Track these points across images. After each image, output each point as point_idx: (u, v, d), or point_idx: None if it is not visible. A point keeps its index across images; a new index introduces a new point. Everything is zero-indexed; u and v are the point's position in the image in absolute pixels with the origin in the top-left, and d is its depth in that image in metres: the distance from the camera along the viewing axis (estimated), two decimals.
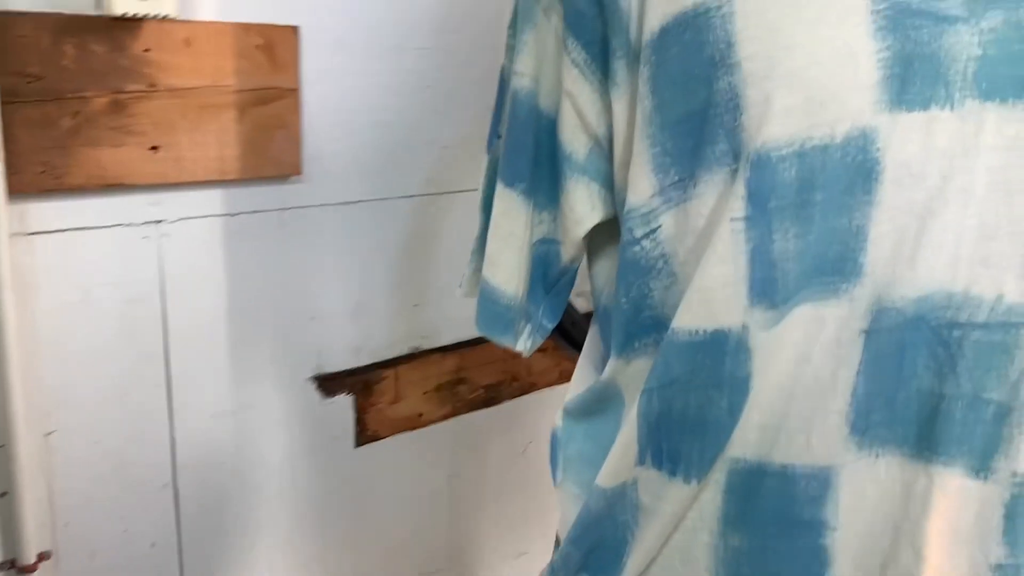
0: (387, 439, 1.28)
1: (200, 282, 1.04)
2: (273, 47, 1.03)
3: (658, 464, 0.50)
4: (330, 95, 1.09)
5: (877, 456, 0.47)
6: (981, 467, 0.45)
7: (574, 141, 0.51)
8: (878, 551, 0.47)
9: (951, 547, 0.46)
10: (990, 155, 0.43)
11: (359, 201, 1.17)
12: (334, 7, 1.07)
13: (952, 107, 0.42)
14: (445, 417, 1.33)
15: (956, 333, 0.45)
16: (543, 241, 0.54)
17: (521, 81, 0.52)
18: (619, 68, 0.48)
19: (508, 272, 0.54)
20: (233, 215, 1.05)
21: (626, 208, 0.48)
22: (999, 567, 0.46)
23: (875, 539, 0.47)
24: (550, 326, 0.57)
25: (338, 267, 1.16)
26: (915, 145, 0.43)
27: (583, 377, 0.58)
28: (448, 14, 1.18)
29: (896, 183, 0.43)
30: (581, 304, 1.10)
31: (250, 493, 1.14)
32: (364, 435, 1.25)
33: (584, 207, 0.52)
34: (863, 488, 0.47)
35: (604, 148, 0.51)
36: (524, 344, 0.57)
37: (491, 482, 1.44)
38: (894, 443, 0.47)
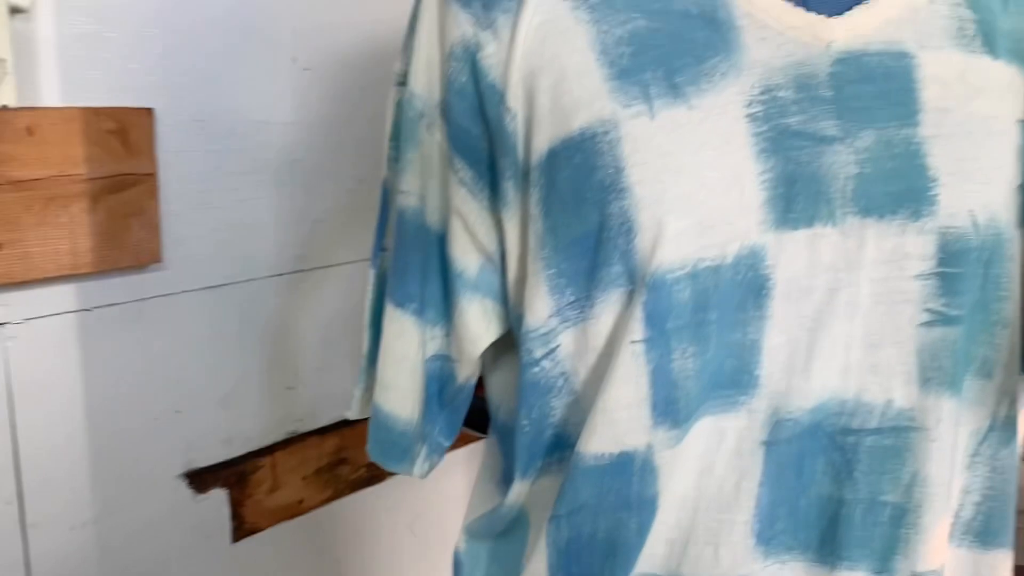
0: (267, 530, 1.21)
1: (53, 384, 0.95)
2: (127, 131, 0.97)
3: None
4: (190, 176, 1.04)
5: (783, 563, 0.47)
6: (882, 568, 0.46)
7: (465, 258, 0.49)
8: None
9: None
10: (872, 268, 0.44)
11: (224, 284, 1.11)
12: (191, 86, 1.02)
13: (834, 224, 0.44)
14: (327, 501, 1.28)
15: (851, 439, 0.46)
16: (436, 357, 0.52)
17: (407, 200, 0.50)
18: (508, 188, 0.47)
19: (402, 396, 0.52)
20: (89, 310, 0.98)
21: (524, 329, 0.47)
22: None
23: None
24: (447, 443, 0.55)
25: (204, 355, 1.09)
26: (802, 261, 0.44)
27: (484, 496, 0.56)
28: (310, 87, 1.15)
29: (786, 298, 0.44)
30: None
31: None
32: (242, 529, 1.18)
33: (479, 326, 0.50)
34: None
35: (496, 264, 0.49)
36: (421, 468, 0.55)
37: (380, 562, 1.39)
38: (799, 550, 0.47)
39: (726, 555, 0.47)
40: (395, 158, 0.53)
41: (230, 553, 1.16)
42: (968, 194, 0.44)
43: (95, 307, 0.98)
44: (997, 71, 0.46)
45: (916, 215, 0.43)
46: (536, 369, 0.47)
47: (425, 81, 0.48)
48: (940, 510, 0.46)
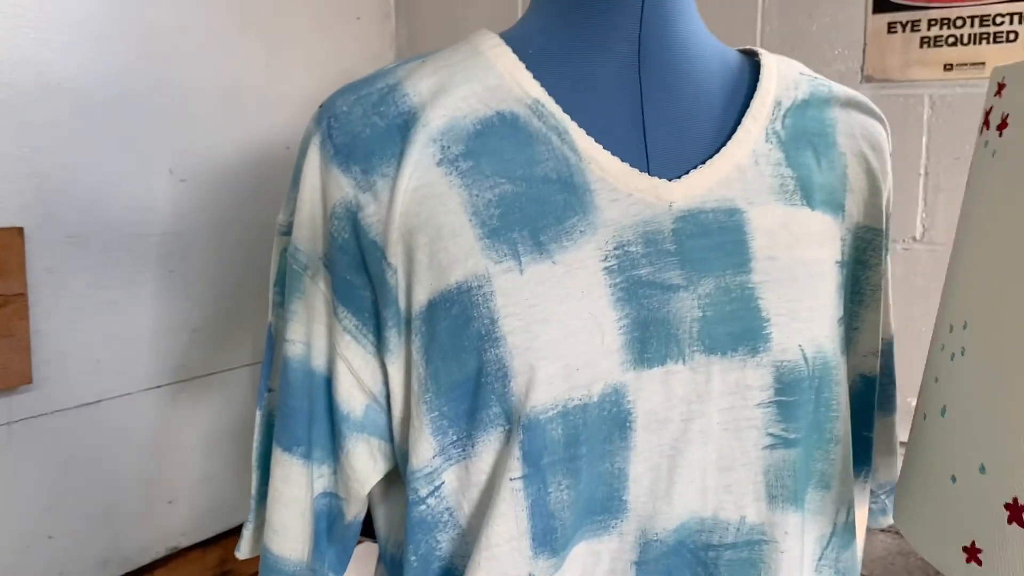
0: None
1: None
2: None
3: None
4: (63, 294, 1.02)
5: None
6: None
7: (351, 400, 0.52)
8: None
9: None
10: (719, 399, 0.49)
11: (99, 400, 1.09)
12: (65, 203, 1.01)
13: (684, 361, 0.49)
14: None
15: (712, 554, 0.50)
16: (325, 495, 0.54)
17: (293, 348, 0.53)
18: (391, 336, 0.50)
19: (292, 539, 0.54)
20: None
21: (409, 470, 0.50)
22: None
23: None
24: None
25: (77, 474, 1.06)
26: (658, 395, 0.49)
27: None
28: (187, 198, 1.16)
29: (646, 428, 0.49)
30: None
31: None
32: None
33: (366, 465, 0.53)
34: None
35: (382, 405, 0.52)
36: None
37: None
38: None
39: None
40: (280, 303, 0.55)
41: None
42: (796, 331, 0.50)
43: None
44: (815, 220, 0.53)
45: (754, 351, 0.49)
46: (422, 507, 0.50)
47: (309, 236, 0.51)
48: None
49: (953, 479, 0.45)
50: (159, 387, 1.15)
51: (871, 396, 0.59)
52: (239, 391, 1.27)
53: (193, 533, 1.21)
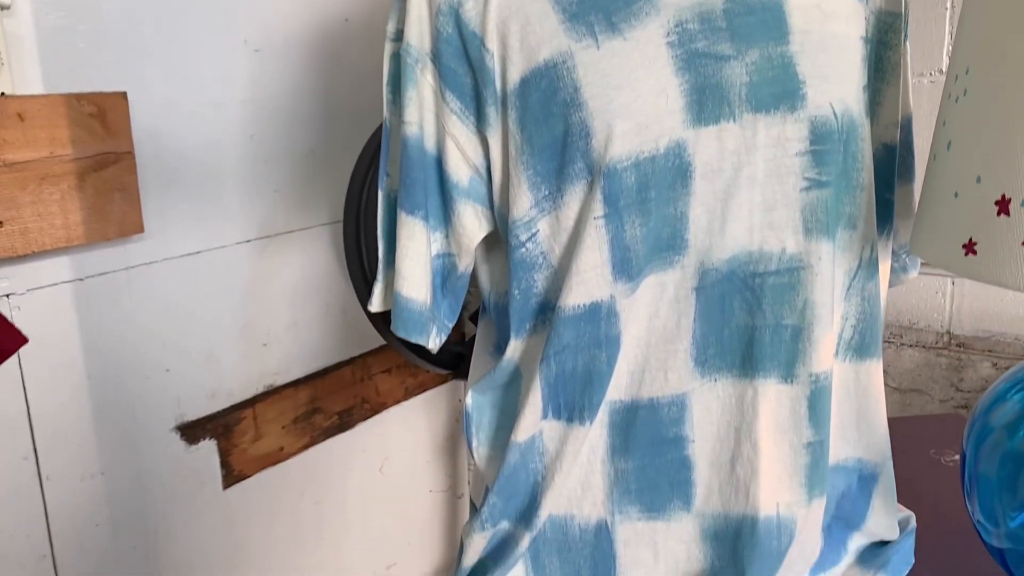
0: (253, 477, 1.32)
1: (56, 349, 1.05)
2: (105, 114, 1.06)
3: (557, 415, 0.63)
4: (162, 155, 1.14)
5: (715, 380, 0.63)
6: (788, 375, 0.62)
7: (459, 172, 0.63)
8: (726, 450, 0.63)
9: (776, 436, 0.63)
10: (764, 151, 0.60)
11: (199, 252, 1.22)
12: (158, 72, 1.12)
13: (735, 120, 0.59)
14: (305, 447, 1.40)
15: (758, 280, 0.61)
16: (439, 256, 0.66)
17: (410, 128, 0.64)
18: (490, 113, 0.61)
19: (418, 285, 0.66)
20: (82, 280, 1.07)
21: (510, 220, 0.61)
22: (809, 444, 0.63)
23: (722, 442, 0.63)
24: (450, 324, 0.69)
25: (186, 317, 1.20)
26: (713, 149, 0.59)
27: (481, 363, 0.70)
28: (262, 67, 1.26)
29: (704, 177, 0.60)
30: None
31: (127, 552, 1.15)
32: (231, 476, 1.29)
33: (472, 223, 0.64)
34: (709, 406, 0.63)
35: (483, 176, 0.63)
36: (434, 341, 0.68)
37: (355, 502, 1.51)
38: (726, 368, 0.63)
39: (673, 378, 0.62)
40: (392, 100, 0.66)
41: (223, 498, 1.27)
42: (827, 92, 0.60)
43: (88, 277, 1.08)
44: (843, 2, 0.62)
45: (792, 108, 0.59)
46: (522, 251, 0.62)
47: (418, 34, 0.62)
48: (826, 326, 0.62)
49: (956, 195, 0.55)
50: (248, 241, 1.28)
51: (892, 163, 0.69)
52: (319, 248, 1.39)
53: (285, 372, 1.36)
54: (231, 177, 1.24)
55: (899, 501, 0.74)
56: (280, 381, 1.35)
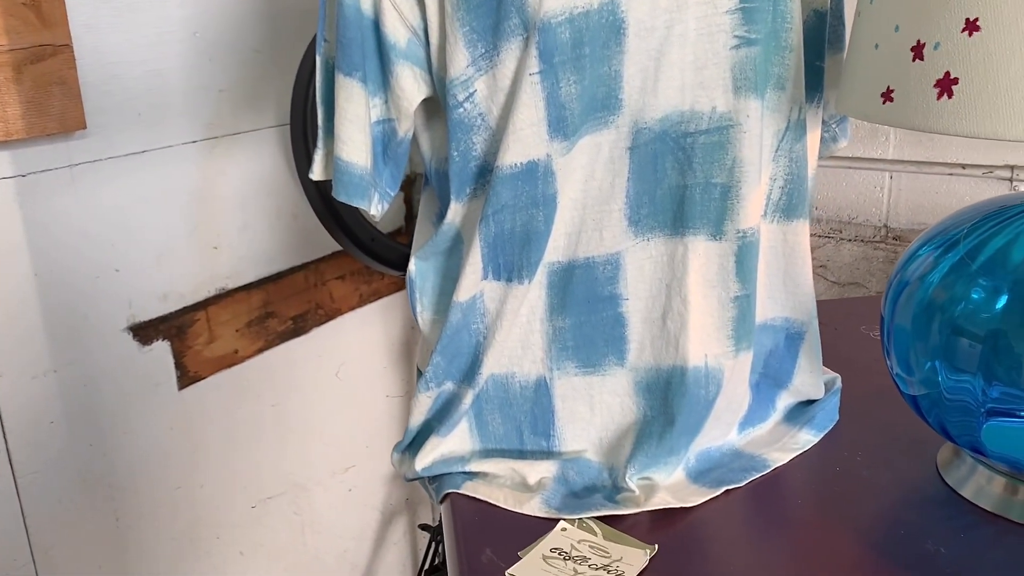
0: (208, 379, 1.33)
1: (2, 247, 1.04)
2: (40, 4, 1.04)
3: (497, 275, 0.65)
4: (101, 49, 1.12)
5: (648, 239, 0.65)
6: (717, 232, 0.65)
7: (396, 33, 0.63)
8: (658, 307, 0.66)
9: (705, 290, 0.65)
10: (695, 8, 0.61)
11: (144, 151, 1.20)
12: None
13: None
14: (260, 351, 1.41)
15: (689, 140, 0.63)
16: (379, 122, 0.67)
17: None
18: None
19: (357, 148, 0.66)
20: (24, 176, 1.06)
21: (448, 79, 0.62)
22: (736, 298, 0.66)
23: (654, 299, 0.66)
24: (392, 192, 0.70)
25: (134, 218, 1.19)
26: (646, 6, 0.60)
27: (424, 231, 0.72)
28: None
29: (637, 36, 0.61)
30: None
31: (83, 449, 1.16)
32: (186, 377, 1.30)
33: (411, 86, 0.65)
34: (642, 264, 0.65)
35: (421, 38, 0.64)
36: (376, 208, 0.69)
37: (311, 406, 1.54)
38: (659, 227, 0.65)
39: (608, 237, 0.65)
40: None
41: (179, 399, 1.29)
42: None
43: (30, 172, 1.06)
44: None
45: None
46: (460, 111, 0.62)
47: None
48: (753, 183, 0.64)
49: (876, 46, 0.57)
50: (195, 142, 1.27)
51: (823, 29, 0.71)
52: (269, 150, 1.38)
53: (237, 276, 1.36)
54: (174, 75, 1.22)
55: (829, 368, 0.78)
56: (232, 284, 1.36)
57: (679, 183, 0.64)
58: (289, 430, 1.50)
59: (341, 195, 0.67)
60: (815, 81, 0.71)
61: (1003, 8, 0.48)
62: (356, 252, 1.33)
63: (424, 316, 0.70)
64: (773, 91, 0.65)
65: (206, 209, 1.30)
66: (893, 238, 1.29)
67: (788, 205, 0.69)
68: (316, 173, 0.70)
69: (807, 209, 0.70)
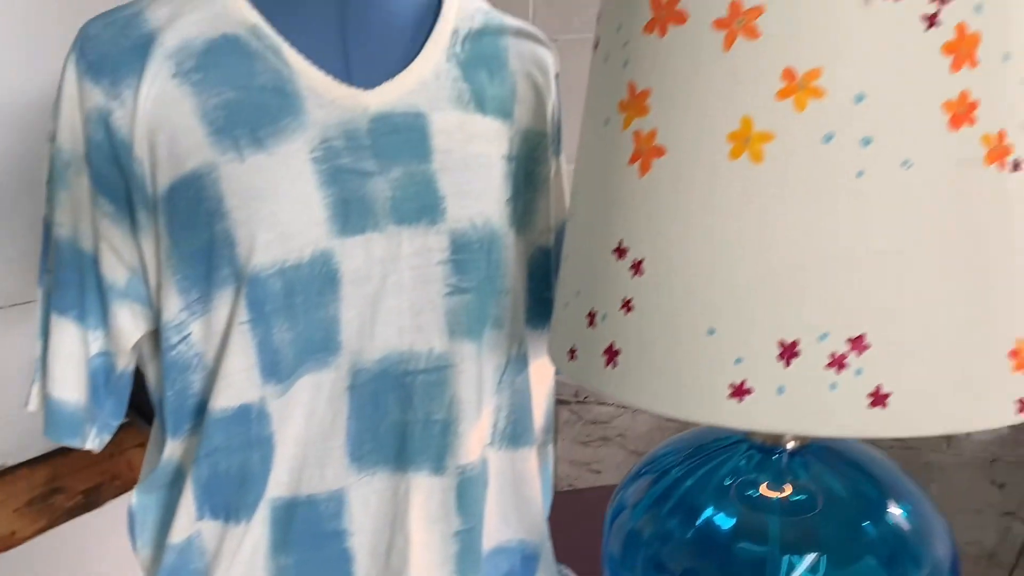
0: None
1: None
2: None
3: (215, 515, 0.64)
4: None
5: (373, 474, 0.66)
6: (438, 467, 0.66)
7: (114, 273, 0.64)
8: (383, 542, 0.67)
9: (428, 526, 0.66)
10: (409, 259, 0.64)
11: None
12: None
13: (380, 231, 0.63)
14: (42, 531, 1.32)
15: (409, 379, 0.65)
16: (99, 354, 0.66)
17: (62, 231, 0.64)
18: (142, 217, 0.62)
19: (69, 385, 0.65)
20: None
21: (162, 323, 0.62)
22: (458, 533, 0.67)
23: (380, 534, 0.66)
24: (115, 423, 0.69)
25: None
26: (360, 258, 0.63)
27: (151, 459, 0.70)
28: None
29: (352, 283, 0.63)
30: None
31: None
32: None
33: (129, 324, 0.65)
34: (367, 499, 0.66)
35: (140, 276, 0.64)
36: (93, 443, 0.68)
37: None
38: (383, 463, 0.66)
39: (330, 474, 0.65)
40: (50, 198, 0.66)
41: None
42: (467, 207, 0.65)
43: None
44: (486, 124, 0.68)
45: (433, 222, 0.64)
46: (174, 352, 0.63)
47: (70, 138, 0.62)
48: (471, 420, 0.67)
49: (566, 305, 0.61)
50: None
51: (548, 264, 0.76)
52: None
53: (19, 452, 1.29)
54: None
55: None
56: (12, 461, 1.28)
57: (401, 419, 0.66)
58: None
59: (50, 434, 0.65)
60: (545, 311, 0.76)
61: (649, 293, 0.53)
62: (144, 425, 1.28)
63: (144, 553, 0.68)
64: (492, 331, 0.68)
65: None
66: None
67: (514, 433, 0.72)
68: (32, 404, 0.68)
69: (533, 435, 0.73)
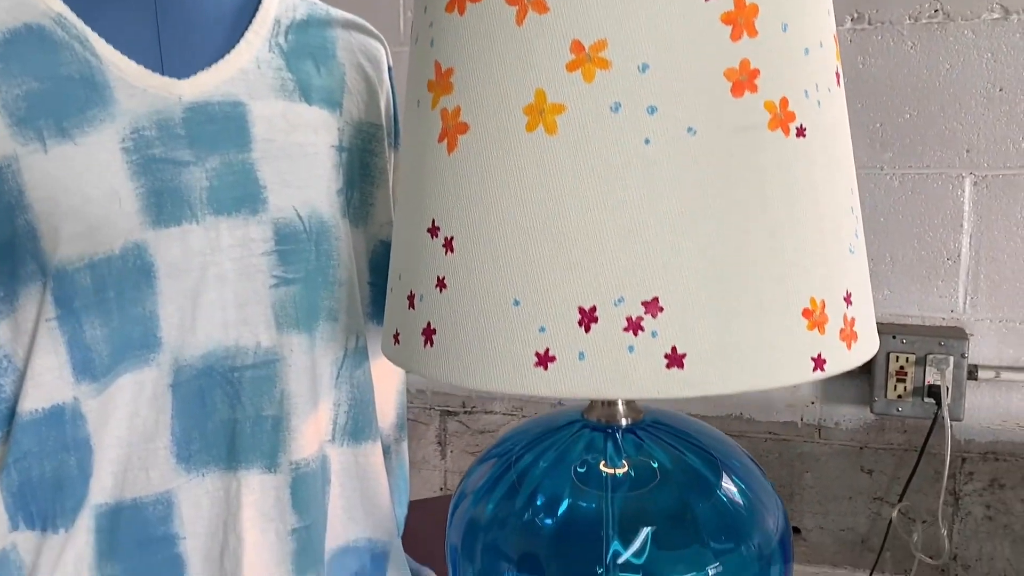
0: None
1: None
2: None
3: (30, 525, 0.61)
4: None
5: (203, 475, 0.64)
6: (271, 464, 0.65)
7: None
8: (216, 544, 0.64)
9: (262, 525, 0.65)
10: (230, 251, 0.63)
11: None
12: None
13: (198, 222, 0.62)
14: None
15: (236, 374, 0.64)
16: None
17: None
18: None
19: None
20: None
21: None
22: (295, 531, 0.65)
23: (213, 536, 0.64)
24: None
25: None
26: (177, 249, 0.61)
27: None
28: None
29: (170, 276, 0.61)
30: None
31: None
32: None
33: None
34: (199, 501, 0.64)
35: None
36: None
37: None
38: (213, 462, 0.64)
39: (156, 475, 0.63)
40: None
41: None
42: (291, 196, 0.64)
43: None
44: (311, 113, 0.67)
45: (254, 211, 0.63)
46: None
47: None
48: (304, 415, 0.65)
49: (391, 289, 0.61)
50: None
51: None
52: None
53: None
54: None
55: None
56: None
57: (230, 417, 0.64)
58: None
59: None
60: None
61: (459, 270, 0.53)
62: None
63: None
64: (326, 323, 0.67)
65: None
66: None
67: (355, 428, 0.70)
68: None
69: (376, 430, 0.72)
